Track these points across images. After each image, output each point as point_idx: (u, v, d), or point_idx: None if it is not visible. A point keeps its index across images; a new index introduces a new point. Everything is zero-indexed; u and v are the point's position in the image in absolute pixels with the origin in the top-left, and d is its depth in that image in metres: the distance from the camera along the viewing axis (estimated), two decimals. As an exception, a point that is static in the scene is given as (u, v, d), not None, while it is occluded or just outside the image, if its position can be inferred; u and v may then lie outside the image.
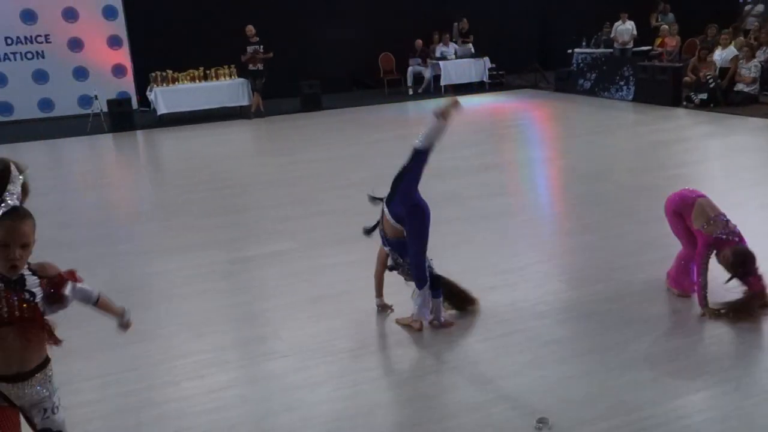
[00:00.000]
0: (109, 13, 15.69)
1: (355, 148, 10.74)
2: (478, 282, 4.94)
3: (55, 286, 2.45)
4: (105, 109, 13.79)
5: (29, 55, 15.32)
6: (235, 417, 3.44)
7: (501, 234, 6.09)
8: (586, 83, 15.11)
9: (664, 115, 11.62)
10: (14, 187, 2.42)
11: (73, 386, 3.81)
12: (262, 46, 14.18)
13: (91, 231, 6.98)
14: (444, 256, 5.66)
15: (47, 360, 2.51)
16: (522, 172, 8.70)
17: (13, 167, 2.47)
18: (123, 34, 15.83)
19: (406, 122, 13.30)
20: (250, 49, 14.12)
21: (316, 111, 14.57)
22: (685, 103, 12.28)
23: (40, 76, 15.39)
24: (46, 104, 15.49)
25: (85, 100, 14.86)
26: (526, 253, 5.53)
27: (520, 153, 9.84)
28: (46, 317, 2.43)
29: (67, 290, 2.47)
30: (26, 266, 2.41)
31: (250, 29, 14.22)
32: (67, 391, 3.76)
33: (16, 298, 2.34)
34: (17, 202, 2.40)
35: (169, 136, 13.13)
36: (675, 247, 4.56)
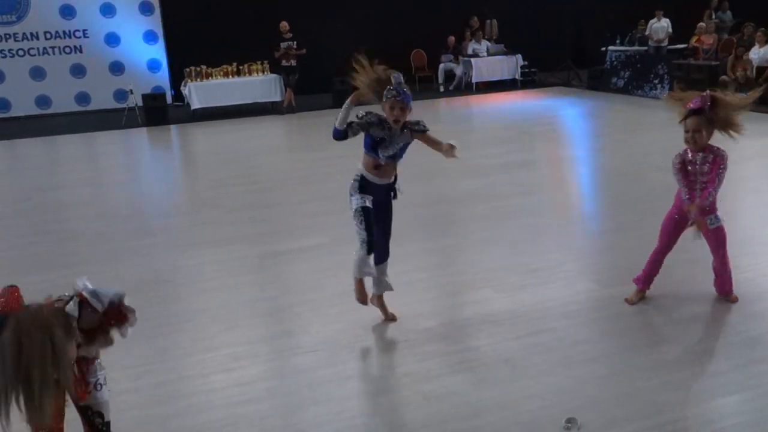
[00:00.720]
0: (145, 8, 15.91)
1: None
2: (508, 280, 4.93)
3: None
4: (140, 103, 14.00)
5: (67, 50, 15.60)
6: (263, 410, 3.47)
7: (531, 232, 6.04)
8: (619, 81, 14.92)
9: (700, 115, 11.41)
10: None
11: (108, 375, 3.89)
12: (295, 42, 14.26)
13: (124, 223, 7.09)
14: (473, 253, 5.66)
15: None
16: (553, 170, 8.63)
17: None
18: (159, 29, 16.04)
19: (436, 119, 13.26)
20: (283, 45, 14.21)
21: (347, 107, 14.59)
22: (721, 102, 12.04)
23: (78, 71, 15.66)
24: (83, 98, 15.77)
25: (121, 95, 15.09)
26: (556, 252, 5.49)
27: (552, 151, 9.75)
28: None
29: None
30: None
31: (284, 25, 14.31)
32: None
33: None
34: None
35: (202, 130, 13.27)
36: (706, 248, 4.46)
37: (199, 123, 13.83)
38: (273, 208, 7.40)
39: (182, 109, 14.84)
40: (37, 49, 15.41)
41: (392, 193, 4.39)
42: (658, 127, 11.09)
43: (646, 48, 15.75)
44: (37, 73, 15.40)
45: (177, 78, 15.53)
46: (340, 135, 4.23)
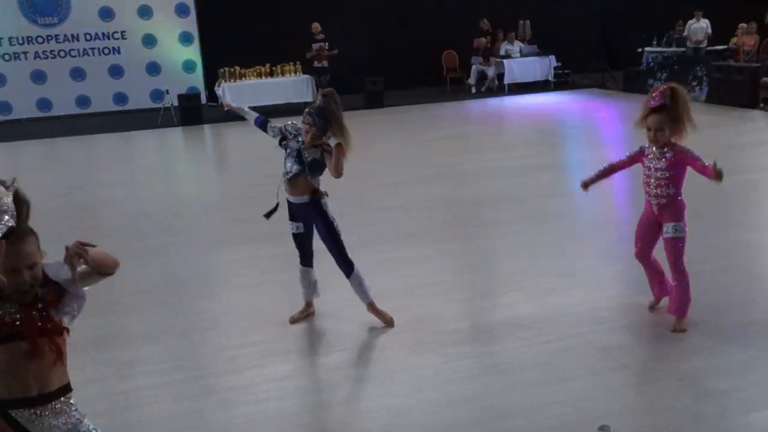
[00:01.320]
0: (181, 10, 16.14)
1: (415, 146, 10.74)
2: (538, 284, 4.90)
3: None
4: (175, 103, 14.21)
5: (106, 51, 15.90)
6: (293, 407, 3.51)
7: (563, 236, 6.00)
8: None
9: (740, 118, 11.20)
10: (4, 208, 2.18)
11: (138, 369, 3.97)
12: (327, 43, 14.35)
13: (159, 221, 7.21)
14: (503, 256, 5.64)
15: (69, 386, 2.32)
16: (586, 173, 8.53)
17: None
18: (194, 31, 16.26)
19: (467, 120, 13.23)
20: (315, 46, 14.31)
21: (378, 108, 14.66)
22: (762, 105, 11.80)
23: (116, 71, 15.95)
24: (120, 98, 16.05)
25: (157, 95, 15.33)
26: (588, 257, 5.44)
27: (585, 154, 9.65)
28: (64, 325, 2.27)
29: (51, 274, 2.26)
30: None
31: (316, 26, 14.41)
32: (133, 373, 3.93)
33: (34, 312, 2.21)
34: (13, 222, 2.18)
35: (235, 130, 13.41)
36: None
37: (232, 123, 13.94)
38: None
39: (216, 109, 14.99)
40: (78, 50, 15.74)
41: (319, 209, 4.42)
42: (696, 130, 10.91)
43: (684, 49, 15.49)
44: (78, 74, 15.72)
45: (211, 78, 15.72)
46: (261, 124, 4.55)
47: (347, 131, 4.31)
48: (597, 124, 12.29)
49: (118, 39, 15.90)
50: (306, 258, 4.53)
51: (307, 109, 4.33)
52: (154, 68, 16.10)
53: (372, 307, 4.39)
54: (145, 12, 15.92)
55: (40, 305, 2.22)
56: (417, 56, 16.93)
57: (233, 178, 9.50)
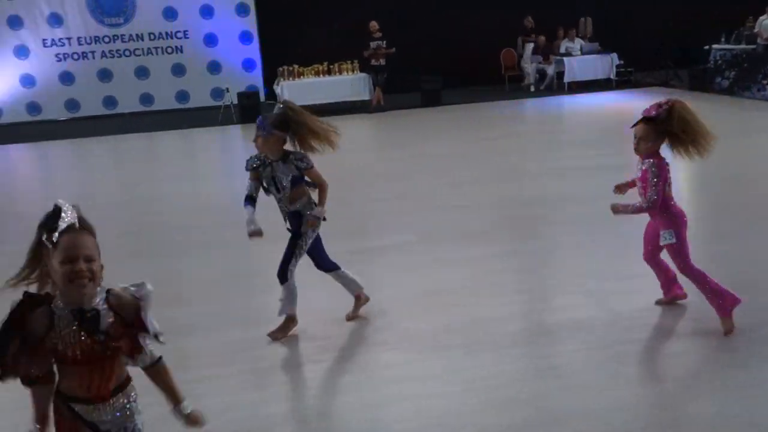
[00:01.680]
0: (241, 10, 16.44)
1: (473, 145, 10.65)
2: (599, 287, 4.78)
3: (131, 337, 2.23)
4: (235, 101, 14.47)
5: (169, 50, 16.33)
6: (348, 402, 3.51)
7: (625, 238, 5.82)
8: (723, 82, 14.19)
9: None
10: (68, 215, 2.21)
11: (197, 361, 4.04)
12: (384, 42, 14.37)
13: (217, 216, 7.34)
14: (563, 257, 5.52)
15: (127, 381, 2.34)
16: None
17: (63, 204, 2.25)
18: (254, 30, 16.54)
19: (525, 120, 13.05)
20: (373, 44, 14.36)
21: (435, 106, 14.60)
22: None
23: (179, 70, 16.36)
24: (182, 96, 16.45)
25: (217, 93, 15.65)
26: (651, 259, 5.27)
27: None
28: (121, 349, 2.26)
29: (144, 343, 2.26)
30: (104, 297, 2.22)
31: (374, 25, 14.45)
32: (192, 365, 4.00)
33: (89, 340, 2.18)
34: (74, 221, 2.21)
35: (293, 128, 13.57)
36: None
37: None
38: (361, 204, 7.47)
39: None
40: (142, 49, 16.21)
41: (299, 220, 4.40)
42: (767, 131, 10.49)
43: (754, 46, 14.90)
44: (142, 72, 16.19)
45: (270, 77, 15.96)
46: (250, 202, 4.50)
47: (324, 131, 4.25)
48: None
49: (180, 38, 16.31)
50: (323, 263, 4.50)
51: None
52: (215, 67, 16.44)
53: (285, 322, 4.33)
54: (206, 12, 16.28)
55: (101, 336, 2.18)
56: (475, 54, 16.80)
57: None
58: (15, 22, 15.58)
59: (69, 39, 15.89)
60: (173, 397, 2.35)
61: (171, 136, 13.43)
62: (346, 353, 4.08)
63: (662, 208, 4.02)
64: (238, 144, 12.95)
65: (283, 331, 4.28)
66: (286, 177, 4.24)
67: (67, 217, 2.19)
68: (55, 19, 15.74)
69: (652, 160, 3.99)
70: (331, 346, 4.13)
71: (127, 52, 16.18)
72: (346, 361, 3.99)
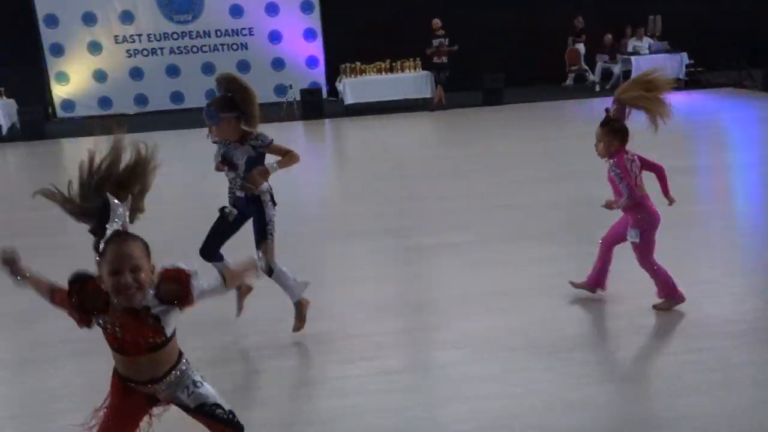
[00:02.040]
0: (306, 7, 16.63)
1: (536, 144, 10.50)
2: (664, 291, 4.64)
3: (179, 298, 2.29)
4: (298, 98, 14.66)
5: (234, 47, 16.65)
6: (405, 400, 3.51)
7: (693, 243, 5.66)
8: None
9: None
10: (117, 217, 2.30)
11: (255, 353, 4.11)
12: (447, 40, 14.31)
13: (278, 211, 7.43)
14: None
15: (179, 358, 2.44)
16: (718, 178, 8.03)
17: (111, 199, 2.34)
18: (318, 27, 16.70)
19: (589, 120, 12.75)
20: (435, 42, 14.31)
21: (497, 105, 14.45)
22: None
23: (243, 66, 16.65)
24: (246, 92, 16.75)
25: (281, 89, 15.88)
26: (721, 266, 5.10)
27: (718, 157, 9.08)
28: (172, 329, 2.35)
29: (195, 293, 2.32)
30: (152, 294, 2.27)
31: (436, 23, 14.40)
32: (251, 356, 4.07)
33: (146, 332, 2.27)
34: (120, 227, 2.28)
35: (354, 125, 13.67)
36: None
37: (351, 118, 14.24)
38: (421, 201, 7.46)
39: (336, 104, 15.35)
40: (209, 46, 16.58)
41: (259, 205, 4.24)
42: None
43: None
44: (208, 69, 16.55)
45: (332, 74, 16.10)
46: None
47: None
48: (732, 125, 11.52)
49: (246, 35, 16.61)
50: (206, 249, 4.27)
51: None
52: (278, 63, 16.68)
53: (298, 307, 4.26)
54: (272, 9, 16.52)
55: (151, 320, 2.26)
56: (538, 52, 16.55)
57: (351, 172, 9.67)
58: (90, 19, 16.15)
59: (139, 35, 16.38)
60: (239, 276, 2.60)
61: (235, 131, 13.69)
62: (401, 351, 4.08)
63: (637, 205, 4.19)
64: (300, 140, 13.11)
65: (300, 320, 4.24)
66: (241, 157, 4.11)
67: (116, 218, 2.25)
68: (127, 16, 16.24)
69: (612, 160, 4.24)
70: (386, 344, 4.14)
71: (194, 49, 16.56)
72: (402, 358, 3.98)
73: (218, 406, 2.45)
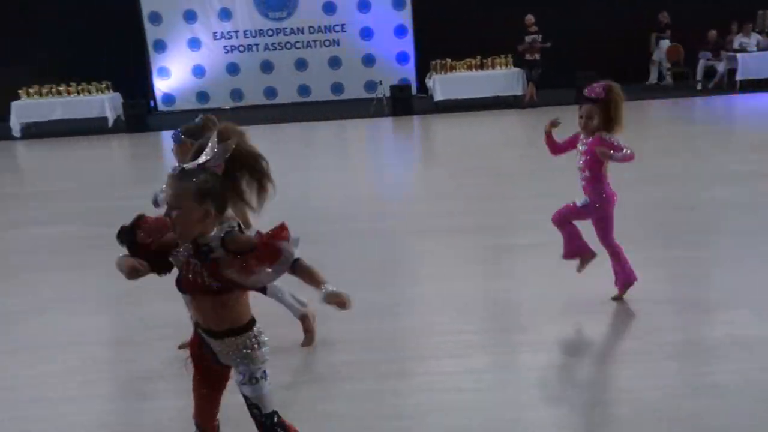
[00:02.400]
0: (398, 4, 16.69)
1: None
2: (763, 300, 4.41)
3: (242, 251, 2.23)
4: (388, 94, 14.75)
5: (327, 43, 16.92)
6: (492, 400, 3.49)
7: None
8: None
9: None
10: (206, 153, 2.26)
11: (341, 345, 4.16)
12: (540, 36, 14.03)
13: (366, 206, 7.54)
14: (729, 269, 5.14)
15: (244, 328, 2.40)
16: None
17: (213, 136, 2.29)
18: (409, 24, 16.74)
19: (688, 120, 12.25)
20: (528, 39, 14.07)
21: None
22: None
23: (335, 63, 16.93)
24: (337, 88, 17.00)
25: (371, 86, 16.03)
26: None
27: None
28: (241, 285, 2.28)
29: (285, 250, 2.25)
30: (220, 237, 2.25)
31: (530, 19, 14.15)
32: (336, 348, 4.13)
33: (196, 272, 2.29)
34: (196, 163, 2.25)
35: (443, 122, 13.64)
36: None
37: (441, 114, 14.21)
38: (510, 200, 7.37)
39: (426, 101, 15.35)
40: (302, 42, 16.92)
41: None
42: None
43: None
44: (301, 65, 16.91)
45: (422, 70, 16.11)
46: None
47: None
48: None
49: (338, 32, 16.84)
50: None
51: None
52: (369, 60, 16.84)
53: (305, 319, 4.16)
54: (364, 6, 16.68)
55: (195, 262, 2.28)
56: (634, 49, 15.98)
57: (439, 169, 9.66)
58: (190, 17, 16.81)
59: (236, 32, 16.90)
60: (315, 282, 2.33)
61: (325, 126, 13.95)
62: (488, 350, 4.05)
63: (596, 186, 4.37)
64: (388, 136, 13.21)
65: (310, 335, 4.17)
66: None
67: (206, 153, 2.25)
68: (225, 14, 16.79)
69: (607, 134, 4.32)
70: (474, 343, 4.12)
71: (288, 45, 16.95)
72: (489, 358, 3.95)
73: (256, 407, 2.44)
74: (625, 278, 4.47)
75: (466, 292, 4.89)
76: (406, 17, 16.74)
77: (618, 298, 4.50)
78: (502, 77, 14.53)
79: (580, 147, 4.47)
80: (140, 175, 10.54)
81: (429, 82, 14.95)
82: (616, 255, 4.44)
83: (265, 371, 2.44)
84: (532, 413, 3.35)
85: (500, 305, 4.68)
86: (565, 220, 4.54)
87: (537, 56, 14.06)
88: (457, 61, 14.72)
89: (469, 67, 14.74)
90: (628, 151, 4.26)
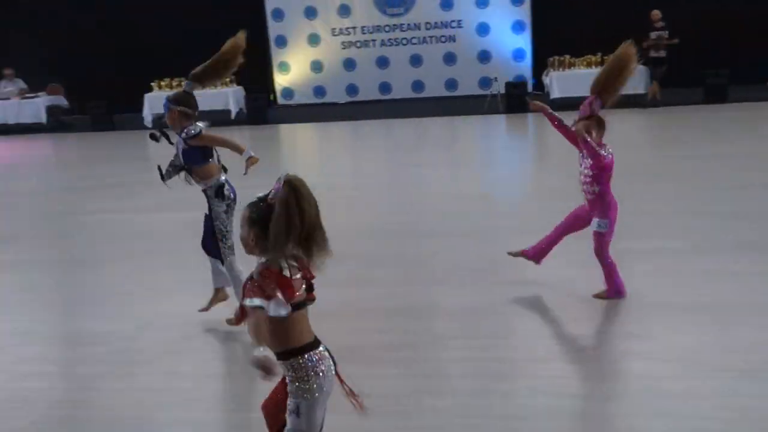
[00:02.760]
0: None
1: (760, 147, 9.51)
2: None
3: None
4: (502, 91, 14.56)
5: (443, 39, 16.90)
6: (603, 408, 3.40)
7: None
8: None
9: None
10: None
11: (449, 342, 4.18)
12: (667, 32, 13.38)
13: (478, 203, 7.49)
14: None
15: (289, 355, 2.37)
16: None
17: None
18: (527, 19, 16.43)
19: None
20: (653, 34, 13.43)
21: (720, 104, 13.27)
22: None
23: (450, 58, 16.88)
24: (451, 84, 16.96)
25: (485, 82, 15.86)
26: None
27: None
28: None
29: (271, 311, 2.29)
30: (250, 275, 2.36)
31: (656, 14, 13.52)
32: (445, 346, 4.14)
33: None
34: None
35: (558, 120, 13.28)
36: None
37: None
38: (630, 204, 6.95)
39: (542, 98, 14.98)
40: (418, 38, 16.99)
41: (207, 197, 4.41)
42: None
43: None
44: (416, 60, 16.99)
45: (539, 67, 15.76)
46: None
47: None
48: None
49: (454, 28, 16.78)
50: (202, 242, 4.51)
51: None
52: (484, 56, 16.67)
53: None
54: (482, 1, 16.53)
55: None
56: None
57: (551, 169, 9.43)
58: (311, 13, 17.27)
59: (354, 28, 17.20)
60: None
61: (438, 122, 13.96)
62: (600, 356, 3.94)
63: (600, 197, 4.48)
64: (501, 134, 13.04)
65: (212, 302, 4.51)
66: (180, 149, 4.39)
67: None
68: (344, 10, 17.13)
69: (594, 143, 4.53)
70: (586, 347, 4.02)
71: (404, 41, 17.06)
72: (599, 364, 3.84)
73: None
74: (615, 291, 4.56)
75: (578, 294, 4.76)
76: (524, 13, 16.43)
77: (600, 297, 4.57)
78: (623, 75, 13.95)
79: (584, 163, 4.67)
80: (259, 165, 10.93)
81: (546, 79, 14.62)
82: (607, 268, 4.54)
83: (310, 407, 2.35)
84: (648, 424, 3.22)
85: (608, 310, 4.53)
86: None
87: (663, 53, 13.41)
88: (576, 57, 14.29)
89: (589, 64, 14.27)
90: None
